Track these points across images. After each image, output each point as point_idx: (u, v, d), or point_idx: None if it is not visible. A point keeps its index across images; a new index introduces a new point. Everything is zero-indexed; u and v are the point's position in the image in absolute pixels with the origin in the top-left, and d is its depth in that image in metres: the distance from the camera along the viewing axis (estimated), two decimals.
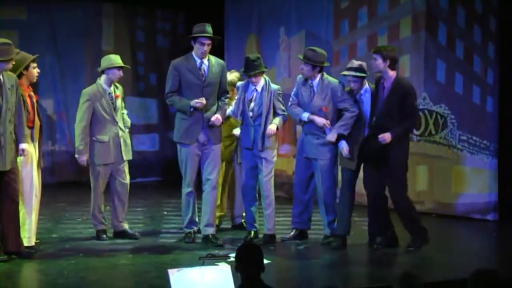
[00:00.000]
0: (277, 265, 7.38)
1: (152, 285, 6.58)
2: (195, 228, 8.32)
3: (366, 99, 8.07)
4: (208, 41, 8.08)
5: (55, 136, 13.09)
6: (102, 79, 8.44)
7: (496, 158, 9.66)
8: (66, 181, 12.86)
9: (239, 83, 8.41)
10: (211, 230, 8.20)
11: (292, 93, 8.37)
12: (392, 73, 7.86)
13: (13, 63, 7.37)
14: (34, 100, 7.70)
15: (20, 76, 7.53)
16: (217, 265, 5.80)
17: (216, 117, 8.11)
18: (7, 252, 7.33)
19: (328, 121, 8.11)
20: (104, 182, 8.47)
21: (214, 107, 8.19)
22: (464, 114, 9.93)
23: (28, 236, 7.62)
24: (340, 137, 8.08)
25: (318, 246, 8.25)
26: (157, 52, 13.95)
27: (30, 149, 7.54)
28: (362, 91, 8.08)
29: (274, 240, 8.33)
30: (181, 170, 8.25)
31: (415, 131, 10.10)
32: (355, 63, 8.08)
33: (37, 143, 7.70)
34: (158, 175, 13.83)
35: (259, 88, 8.24)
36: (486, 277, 4.45)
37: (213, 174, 8.19)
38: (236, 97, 8.43)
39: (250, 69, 8.16)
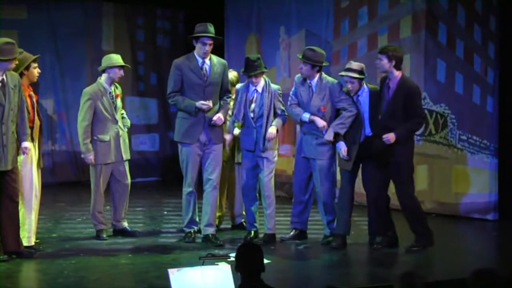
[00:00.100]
0: (277, 265, 7.37)
1: (152, 285, 6.58)
2: (195, 228, 8.32)
3: (363, 100, 8.07)
4: (210, 41, 8.08)
5: (55, 136, 13.08)
6: (102, 78, 8.46)
7: (496, 158, 9.66)
8: (66, 181, 12.86)
9: (238, 86, 8.40)
10: (211, 230, 8.20)
11: (291, 92, 8.37)
12: (397, 73, 7.86)
13: (16, 62, 7.38)
14: (34, 100, 7.70)
15: (20, 75, 7.53)
16: (217, 265, 5.80)
17: (218, 117, 8.10)
18: (7, 252, 7.33)
19: (326, 124, 8.11)
20: (105, 182, 8.48)
21: (216, 107, 8.19)
22: (464, 114, 9.93)
23: (28, 235, 7.62)
24: (338, 138, 8.09)
25: (318, 246, 8.25)
26: (157, 52, 13.94)
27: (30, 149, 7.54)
28: (359, 92, 8.08)
29: (275, 239, 8.33)
30: (182, 170, 8.25)
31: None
32: (354, 64, 8.08)
33: (37, 143, 7.70)
34: (158, 175, 13.82)
35: (259, 89, 8.24)
36: (486, 277, 4.45)
37: (214, 174, 8.19)
38: (234, 97, 8.43)
39: (250, 70, 8.15)
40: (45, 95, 12.59)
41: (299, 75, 8.35)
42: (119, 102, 8.54)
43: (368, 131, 8.05)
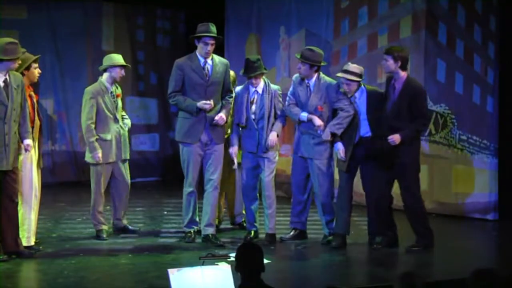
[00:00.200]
0: (277, 265, 7.37)
1: (152, 285, 6.58)
2: (195, 228, 8.32)
3: (361, 101, 8.07)
4: (212, 41, 8.08)
5: (55, 136, 13.08)
6: (104, 78, 8.49)
7: (496, 158, 9.66)
8: (66, 181, 12.86)
9: (237, 88, 8.39)
10: (211, 230, 8.20)
11: (289, 92, 8.37)
12: (403, 74, 7.87)
13: (19, 62, 7.39)
14: (35, 100, 7.70)
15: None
16: (217, 265, 5.80)
17: (220, 116, 8.10)
18: (7, 252, 7.33)
19: (323, 124, 8.12)
20: (105, 181, 8.49)
21: (218, 106, 8.19)
22: (464, 114, 9.93)
23: (27, 236, 7.62)
24: (336, 138, 8.10)
25: (317, 246, 8.26)
26: (157, 52, 13.94)
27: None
28: (356, 93, 8.08)
29: (275, 239, 8.33)
30: (183, 169, 8.25)
31: None
32: (351, 66, 8.09)
33: (37, 143, 7.70)
34: (158, 175, 13.82)
35: (259, 90, 8.24)
36: (486, 277, 4.45)
37: (215, 175, 8.19)
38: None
39: (250, 71, 8.16)
40: (45, 95, 12.59)
41: (297, 74, 8.36)
42: (119, 102, 8.56)
43: (363, 132, 8.06)
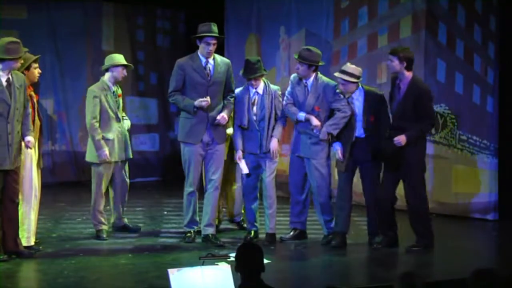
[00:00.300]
0: (277, 265, 7.37)
1: (152, 285, 6.58)
2: (196, 228, 8.32)
3: (358, 102, 8.08)
4: (214, 41, 8.08)
5: (55, 136, 13.08)
6: (106, 77, 8.52)
7: (496, 158, 9.66)
8: (66, 181, 12.86)
9: (237, 90, 8.37)
10: (211, 230, 8.21)
11: (287, 92, 8.38)
12: (408, 74, 7.87)
13: (22, 61, 7.40)
14: (35, 100, 7.71)
15: None
16: (217, 265, 5.80)
17: (222, 116, 8.10)
18: (7, 252, 7.33)
19: (320, 124, 8.12)
20: (107, 181, 8.50)
21: (220, 106, 8.19)
22: (464, 114, 9.93)
23: (27, 236, 7.63)
24: (334, 138, 8.12)
25: (317, 246, 8.26)
26: (157, 52, 13.94)
27: (30, 149, 7.53)
28: (354, 95, 8.09)
29: (275, 239, 8.33)
30: (184, 169, 8.25)
31: None
32: (349, 67, 8.10)
33: (37, 143, 7.70)
34: (158, 175, 13.82)
35: (260, 91, 8.24)
36: (486, 277, 4.45)
37: (216, 175, 8.19)
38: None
39: (250, 72, 8.15)
40: (45, 95, 12.59)
41: (295, 74, 8.38)
42: (120, 101, 8.60)
43: (359, 132, 8.07)
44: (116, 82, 8.55)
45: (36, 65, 7.78)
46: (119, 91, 8.61)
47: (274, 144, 8.23)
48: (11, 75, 7.28)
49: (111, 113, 8.44)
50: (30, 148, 7.44)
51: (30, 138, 7.39)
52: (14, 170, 7.33)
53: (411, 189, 7.90)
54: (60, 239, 8.50)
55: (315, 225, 8.64)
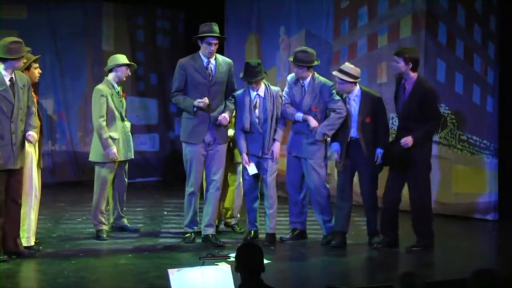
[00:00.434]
0: (277, 265, 7.38)
1: (152, 285, 6.58)
2: (196, 228, 8.32)
3: (354, 103, 8.09)
4: (215, 41, 8.09)
5: (55, 136, 13.08)
6: (110, 77, 8.55)
7: (496, 158, 9.66)
8: (66, 181, 12.86)
9: (237, 93, 8.36)
10: (211, 231, 8.20)
11: (284, 92, 8.38)
12: (413, 75, 7.86)
13: (25, 61, 7.41)
14: (35, 100, 7.70)
15: None
16: (217, 265, 5.80)
17: (223, 116, 8.10)
18: (7, 252, 7.33)
19: (318, 125, 8.13)
20: (110, 181, 8.50)
21: (222, 107, 8.19)
22: (464, 114, 9.93)
23: (27, 236, 7.62)
24: (332, 139, 8.16)
25: (317, 246, 8.25)
26: (157, 52, 13.94)
27: (30, 149, 7.54)
28: (350, 94, 8.09)
29: (275, 239, 8.33)
30: (185, 169, 8.24)
31: None
32: (347, 66, 8.11)
33: (37, 143, 7.70)
34: (158, 175, 13.82)
35: (261, 93, 8.24)
36: (486, 277, 4.45)
37: (218, 175, 8.19)
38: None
39: (251, 76, 8.13)
40: (45, 95, 12.59)
41: (292, 74, 8.40)
42: (124, 101, 8.63)
43: (354, 133, 8.08)
44: (120, 82, 8.58)
45: (36, 65, 7.79)
46: (121, 91, 8.66)
47: (276, 147, 8.24)
48: (14, 74, 7.30)
49: (116, 112, 8.46)
50: (31, 142, 7.43)
51: (31, 133, 7.39)
52: (18, 170, 7.33)
53: (417, 190, 7.89)
54: (60, 239, 8.50)
55: (315, 225, 8.64)
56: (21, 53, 7.31)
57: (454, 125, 10.00)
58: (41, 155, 7.81)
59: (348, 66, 8.12)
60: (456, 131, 9.99)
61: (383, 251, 7.95)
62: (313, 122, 8.15)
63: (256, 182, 8.37)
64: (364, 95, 8.09)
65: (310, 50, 8.30)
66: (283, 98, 8.32)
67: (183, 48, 12.99)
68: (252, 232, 8.41)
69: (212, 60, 8.17)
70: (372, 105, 8.07)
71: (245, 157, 8.24)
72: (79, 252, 7.82)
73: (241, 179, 8.71)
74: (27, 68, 7.65)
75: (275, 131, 8.25)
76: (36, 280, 7.14)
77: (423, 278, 4.82)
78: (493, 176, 9.69)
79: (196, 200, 8.26)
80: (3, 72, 7.24)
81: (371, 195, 8.13)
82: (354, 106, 8.09)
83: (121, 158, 8.48)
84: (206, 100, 8.01)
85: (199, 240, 8.25)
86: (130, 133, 8.69)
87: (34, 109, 7.52)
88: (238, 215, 8.88)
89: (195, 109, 8.06)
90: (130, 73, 8.68)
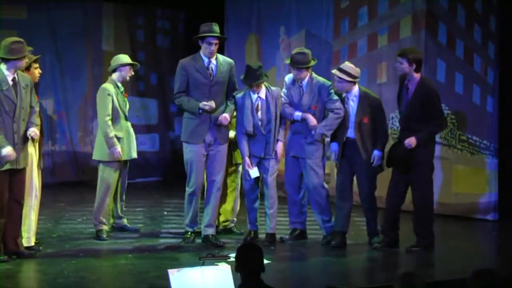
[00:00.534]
0: (277, 265, 7.38)
1: (152, 285, 6.58)
2: (196, 229, 8.32)
3: (352, 102, 8.09)
4: (216, 41, 8.09)
5: (55, 136, 13.07)
6: (114, 77, 8.58)
7: (496, 158, 9.66)
8: (66, 181, 12.85)
9: (238, 95, 8.35)
10: (211, 231, 8.20)
11: (282, 92, 8.38)
12: (416, 75, 7.86)
13: (26, 60, 7.41)
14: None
15: None
16: (217, 265, 5.80)
17: (224, 116, 8.10)
18: (7, 253, 7.33)
19: (317, 124, 8.14)
20: (115, 181, 8.49)
21: (223, 107, 8.18)
22: (464, 114, 9.93)
23: (27, 236, 7.63)
24: (331, 139, 8.18)
25: (317, 246, 8.25)
26: (157, 52, 13.94)
27: (31, 149, 7.54)
28: (349, 94, 8.09)
29: (275, 239, 8.33)
30: (186, 169, 8.23)
31: None
32: (347, 66, 8.11)
33: (37, 143, 7.70)
34: (158, 175, 13.82)
35: (262, 95, 8.22)
36: (486, 277, 4.45)
37: (218, 176, 8.19)
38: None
39: (252, 79, 8.12)
40: (45, 95, 12.59)
41: (290, 75, 8.42)
42: (126, 101, 8.65)
43: (351, 133, 8.08)
44: (123, 81, 8.60)
45: (36, 65, 7.80)
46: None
47: (280, 147, 8.24)
48: (17, 74, 7.30)
49: (120, 112, 8.48)
50: (33, 138, 7.43)
51: (33, 128, 7.38)
52: (21, 170, 7.33)
53: (419, 191, 7.88)
54: (60, 239, 8.50)
55: (315, 225, 8.64)
56: (23, 53, 7.31)
57: (454, 125, 10.00)
58: (41, 155, 7.80)
59: (347, 65, 8.12)
60: (456, 131, 9.99)
61: (383, 251, 7.95)
62: (312, 120, 8.15)
63: (256, 183, 8.37)
64: (363, 95, 8.09)
65: (306, 50, 8.30)
66: (282, 98, 8.33)
67: (183, 48, 12.99)
68: (252, 232, 8.41)
69: (213, 60, 8.17)
70: (370, 106, 8.07)
71: (248, 160, 8.23)
72: (79, 252, 7.82)
73: (239, 181, 8.71)
74: (27, 68, 7.65)
75: (278, 131, 8.25)
76: (36, 280, 7.14)
77: (423, 278, 4.82)
78: (493, 176, 9.69)
79: (197, 200, 8.26)
80: (6, 72, 7.25)
81: (369, 195, 8.13)
82: (352, 106, 8.10)
83: (125, 157, 8.49)
84: (213, 104, 8.01)
85: (199, 240, 8.25)
86: (133, 133, 8.70)
87: (37, 109, 7.53)
88: (235, 218, 8.86)
89: (200, 111, 8.06)
90: (133, 73, 8.72)
